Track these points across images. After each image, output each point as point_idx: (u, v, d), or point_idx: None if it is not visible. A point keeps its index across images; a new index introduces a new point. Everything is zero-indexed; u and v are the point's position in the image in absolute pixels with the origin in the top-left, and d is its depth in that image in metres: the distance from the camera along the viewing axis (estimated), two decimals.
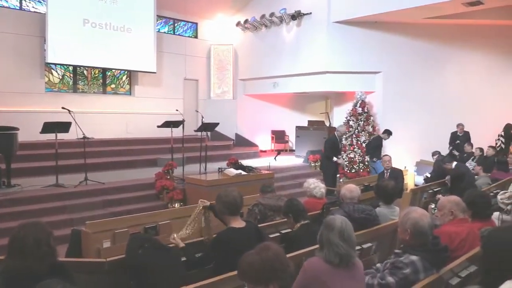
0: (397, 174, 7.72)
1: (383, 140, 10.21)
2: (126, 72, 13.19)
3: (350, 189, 4.43)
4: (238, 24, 14.25)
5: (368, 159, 10.73)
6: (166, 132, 9.34)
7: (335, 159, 8.71)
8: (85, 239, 4.42)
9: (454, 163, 7.61)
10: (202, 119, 9.70)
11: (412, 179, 10.17)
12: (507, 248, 2.25)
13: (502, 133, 11.95)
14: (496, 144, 11.83)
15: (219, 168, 8.18)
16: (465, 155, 10.18)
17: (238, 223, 3.37)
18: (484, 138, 10.95)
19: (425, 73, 12.07)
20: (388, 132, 10.13)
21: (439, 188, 7.32)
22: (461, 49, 12.24)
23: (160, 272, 3.00)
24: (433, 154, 9.62)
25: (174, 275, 3.04)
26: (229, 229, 3.33)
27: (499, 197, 4.41)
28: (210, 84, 14.75)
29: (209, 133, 11.39)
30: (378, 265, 3.10)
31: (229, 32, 14.70)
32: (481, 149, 9.82)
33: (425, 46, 12.06)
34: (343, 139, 11.38)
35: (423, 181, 9.41)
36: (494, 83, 12.35)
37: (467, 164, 9.66)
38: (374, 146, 10.22)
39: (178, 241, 3.53)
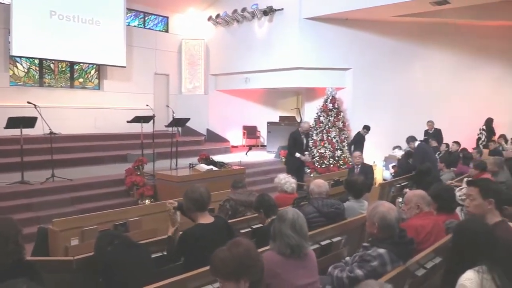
0: (367, 170, 7.89)
1: (364, 135, 10.50)
2: (94, 66, 12.90)
3: (318, 184, 4.48)
4: (209, 18, 14.15)
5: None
6: (136, 128, 9.20)
7: (298, 155, 8.56)
8: (52, 237, 4.31)
9: (417, 142, 7.98)
10: (173, 114, 9.62)
11: (381, 174, 10.39)
12: (473, 239, 2.35)
13: (484, 127, 12.38)
14: (479, 138, 12.25)
15: (190, 164, 8.13)
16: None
17: (206, 219, 3.36)
18: (451, 133, 11.28)
19: (394, 70, 12.32)
20: (366, 128, 10.50)
21: (406, 183, 7.51)
22: (429, 46, 12.54)
23: (130, 269, 2.96)
24: (394, 148, 9.90)
25: (145, 272, 3.01)
26: (196, 226, 3.31)
27: (457, 193, 4.55)
28: (181, 79, 14.62)
29: (180, 128, 11.30)
30: (347, 258, 3.16)
31: (200, 27, 14.59)
32: (447, 145, 10.12)
33: (394, 43, 12.30)
34: (314, 135, 11.54)
35: (391, 175, 9.65)
36: (460, 79, 12.69)
37: None
38: (354, 142, 10.63)
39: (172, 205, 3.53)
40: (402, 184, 7.49)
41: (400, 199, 7.12)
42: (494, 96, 12.76)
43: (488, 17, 11.83)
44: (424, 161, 7.52)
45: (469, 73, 12.75)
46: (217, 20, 13.96)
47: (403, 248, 2.91)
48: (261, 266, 2.17)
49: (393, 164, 9.91)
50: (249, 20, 13.25)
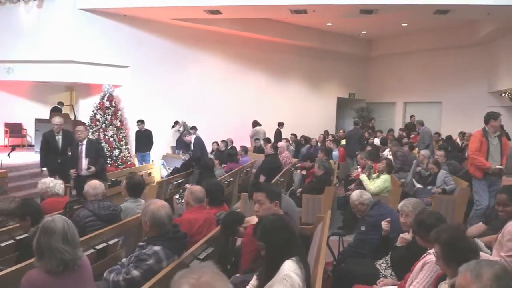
0: None
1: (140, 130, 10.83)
2: None
3: (93, 185, 4.32)
4: None
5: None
6: None
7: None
8: None
9: (193, 136, 8.94)
10: None
11: (159, 172, 10.59)
12: (278, 234, 2.63)
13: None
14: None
15: None
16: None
17: None
18: (222, 131, 12.40)
19: (172, 69, 12.75)
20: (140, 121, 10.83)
21: (183, 179, 7.89)
22: (204, 50, 13.46)
23: None
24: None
25: None
26: None
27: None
28: None
29: None
30: (124, 260, 3.13)
31: None
32: (217, 143, 11.04)
33: (172, 45, 12.72)
34: (90, 134, 10.94)
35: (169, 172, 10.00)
36: (230, 82, 14.09)
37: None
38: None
39: None
40: (179, 181, 7.84)
41: (177, 196, 7.46)
42: (258, 98, 14.72)
43: (253, 31, 13.74)
44: (202, 152, 8.57)
45: (238, 78, 14.34)
46: None
47: (177, 243, 3.05)
48: None
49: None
50: (14, 2, 11.60)
